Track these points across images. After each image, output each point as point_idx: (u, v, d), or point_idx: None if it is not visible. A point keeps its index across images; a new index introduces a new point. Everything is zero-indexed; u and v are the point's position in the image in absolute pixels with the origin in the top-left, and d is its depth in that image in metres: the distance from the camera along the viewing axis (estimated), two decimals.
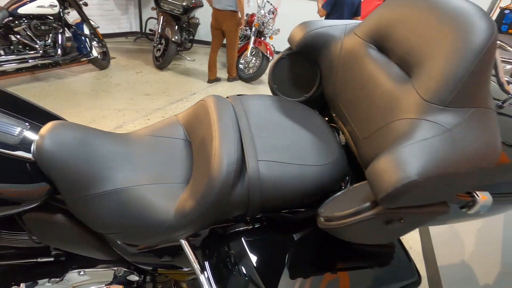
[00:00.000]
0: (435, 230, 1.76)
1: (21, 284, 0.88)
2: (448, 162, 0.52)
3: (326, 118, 1.04)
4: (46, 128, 0.75)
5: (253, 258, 0.75)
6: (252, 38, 4.07)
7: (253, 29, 4.10)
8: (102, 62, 3.99)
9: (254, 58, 4.20)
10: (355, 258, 0.85)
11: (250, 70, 4.24)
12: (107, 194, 0.75)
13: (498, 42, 0.93)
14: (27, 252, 0.90)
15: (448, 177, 0.52)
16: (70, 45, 3.52)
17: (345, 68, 0.88)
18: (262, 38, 4.26)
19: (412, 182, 0.50)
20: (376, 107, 0.74)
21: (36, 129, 0.77)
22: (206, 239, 0.85)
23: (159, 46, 4.24)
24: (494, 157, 0.54)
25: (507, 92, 0.64)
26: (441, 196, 0.57)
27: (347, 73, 0.87)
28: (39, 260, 0.91)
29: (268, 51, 4.05)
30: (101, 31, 4.11)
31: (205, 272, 0.79)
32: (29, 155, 0.72)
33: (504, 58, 0.85)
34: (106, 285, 0.92)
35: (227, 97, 0.95)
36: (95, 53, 3.67)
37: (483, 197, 0.62)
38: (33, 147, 0.73)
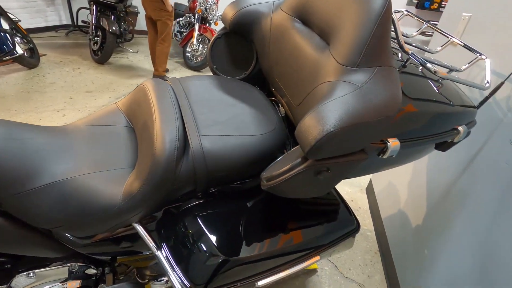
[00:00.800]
0: (378, 189, 1.97)
1: None
2: (359, 113, 0.60)
3: (266, 93, 1.10)
4: None
5: (209, 231, 0.79)
6: (197, 25, 3.97)
7: (196, 15, 4.00)
8: (30, 60, 3.60)
9: (201, 46, 4.11)
10: (304, 218, 0.94)
11: (198, 58, 4.15)
12: (45, 188, 0.73)
13: (406, 12, 1.06)
14: None
15: (361, 126, 0.61)
16: None
17: (276, 42, 0.94)
18: (207, 25, 4.18)
19: (330, 134, 0.58)
20: (304, 75, 0.81)
21: None
22: (161, 221, 0.87)
23: (95, 38, 3.93)
24: (396, 106, 0.64)
25: (406, 53, 0.75)
26: (358, 144, 0.66)
27: (278, 46, 0.93)
28: None
29: None
30: (24, 25, 3.68)
31: (163, 251, 0.81)
32: None
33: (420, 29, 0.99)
34: (61, 282, 0.90)
35: (165, 80, 0.95)
36: (19, 50, 3.28)
37: (394, 143, 0.73)
38: None
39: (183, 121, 0.80)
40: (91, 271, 0.95)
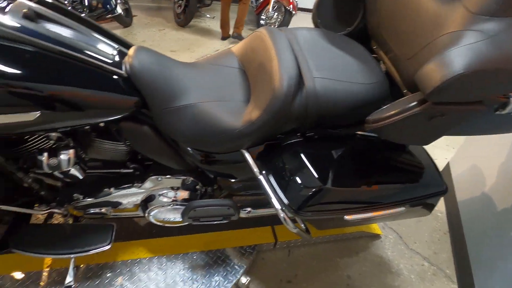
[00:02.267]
0: (457, 172, 1.87)
1: (111, 188, 1.08)
2: (491, 60, 0.61)
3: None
4: (133, 50, 0.88)
5: (309, 163, 0.88)
6: None
7: None
8: (126, 20, 4.02)
9: (276, 13, 4.11)
10: (395, 170, 0.98)
11: (272, 26, 4.17)
12: (183, 107, 0.90)
13: None
14: (113, 164, 1.08)
15: (491, 73, 0.62)
16: (95, 3, 3.56)
17: None
18: None
19: (459, 75, 0.60)
20: (421, 27, 0.81)
21: (122, 51, 0.91)
22: (262, 152, 1.00)
23: (179, 2, 4.20)
24: None
25: None
26: (481, 93, 0.67)
27: (391, 0, 0.93)
28: (121, 171, 1.10)
29: (291, 5, 3.94)
30: None
31: (265, 176, 0.94)
32: (122, 71, 0.85)
33: None
34: (173, 190, 1.11)
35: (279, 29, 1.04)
36: (119, 9, 3.70)
37: None
38: (125, 65, 0.86)
39: (298, 63, 0.88)
40: (198, 187, 1.14)
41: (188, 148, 0.97)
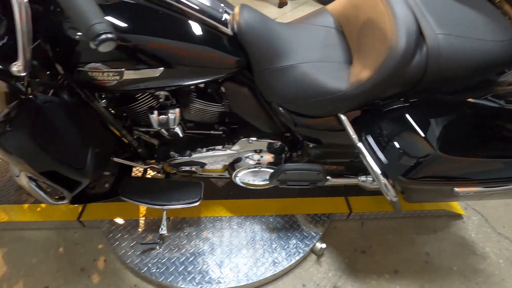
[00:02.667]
0: None
1: (204, 148, 1.13)
2: None
3: None
4: (238, 8, 0.87)
5: (420, 127, 0.82)
6: None
7: None
8: None
9: None
10: (509, 145, 0.88)
11: None
12: (286, 68, 0.88)
13: None
14: (204, 125, 1.13)
15: None
16: None
17: None
18: None
19: None
20: None
21: (227, 10, 0.90)
22: (362, 118, 0.95)
23: None
24: None
25: None
26: None
27: None
28: (211, 132, 1.15)
29: None
30: None
31: (364, 144, 0.90)
32: (228, 30, 0.85)
33: None
34: (257, 153, 1.13)
35: None
36: None
37: None
38: (232, 24, 0.86)
39: (416, 17, 0.80)
40: (285, 151, 1.15)
41: (283, 111, 0.97)
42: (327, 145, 1.09)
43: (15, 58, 0.62)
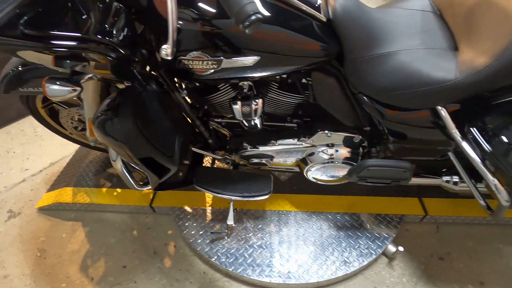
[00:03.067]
0: None
1: (277, 141, 1.11)
2: None
3: None
4: None
5: None
6: None
7: None
8: None
9: None
10: None
11: None
12: (382, 56, 0.81)
13: None
14: (279, 117, 1.10)
15: None
16: None
17: None
18: None
19: None
20: None
21: None
22: (462, 112, 0.85)
23: None
24: None
25: None
26: None
27: None
28: (285, 125, 1.12)
29: None
30: None
31: (469, 142, 0.81)
32: (322, 16, 0.81)
33: None
34: (333, 147, 1.08)
35: None
36: None
37: None
38: (325, 9, 0.82)
39: None
40: (364, 145, 1.09)
41: (371, 102, 0.90)
42: (413, 140, 1.00)
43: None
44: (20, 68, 1.08)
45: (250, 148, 1.15)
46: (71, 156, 1.75)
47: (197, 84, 0.97)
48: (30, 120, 2.07)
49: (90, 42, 0.64)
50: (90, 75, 0.76)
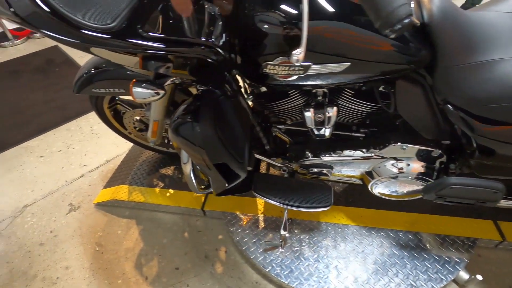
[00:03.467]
0: None
1: (343, 151, 1.05)
2: None
3: None
4: None
5: None
6: None
7: None
8: None
9: None
10: None
11: None
12: (484, 64, 0.72)
13: None
14: (348, 126, 1.04)
15: None
16: None
17: None
18: None
19: None
20: None
21: None
22: None
23: None
24: None
25: None
26: None
27: None
28: (352, 134, 1.05)
29: None
30: None
31: None
32: (416, 21, 0.74)
33: None
34: (404, 161, 0.99)
35: None
36: None
37: None
38: (417, 12, 0.75)
39: None
40: (441, 161, 1.00)
41: (462, 114, 0.82)
42: (502, 158, 0.89)
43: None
44: (92, 71, 1.13)
45: (312, 157, 1.10)
46: (124, 155, 1.82)
47: (265, 89, 0.95)
48: (87, 119, 2.19)
49: (198, 46, 0.65)
50: (173, 79, 0.76)
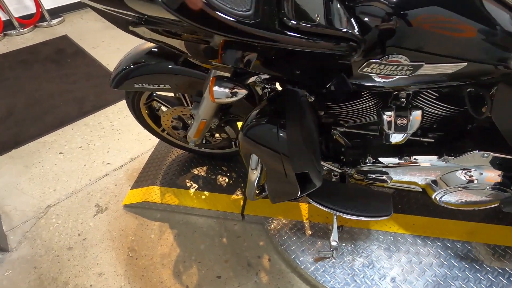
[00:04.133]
0: None
1: (411, 157, 0.97)
2: None
3: None
4: None
5: None
6: None
7: None
8: None
9: None
10: None
11: None
12: None
13: None
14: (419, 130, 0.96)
15: None
16: None
17: None
18: None
19: None
20: None
21: None
22: None
23: None
24: None
25: None
26: None
27: None
28: (421, 139, 0.97)
29: None
30: None
31: None
32: None
33: None
34: (481, 172, 0.92)
35: None
36: None
37: None
38: None
39: None
40: None
41: None
42: None
43: None
44: (132, 66, 1.05)
45: (373, 162, 1.02)
46: (150, 153, 1.72)
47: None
48: (105, 114, 2.09)
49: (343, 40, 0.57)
50: (255, 77, 0.67)
